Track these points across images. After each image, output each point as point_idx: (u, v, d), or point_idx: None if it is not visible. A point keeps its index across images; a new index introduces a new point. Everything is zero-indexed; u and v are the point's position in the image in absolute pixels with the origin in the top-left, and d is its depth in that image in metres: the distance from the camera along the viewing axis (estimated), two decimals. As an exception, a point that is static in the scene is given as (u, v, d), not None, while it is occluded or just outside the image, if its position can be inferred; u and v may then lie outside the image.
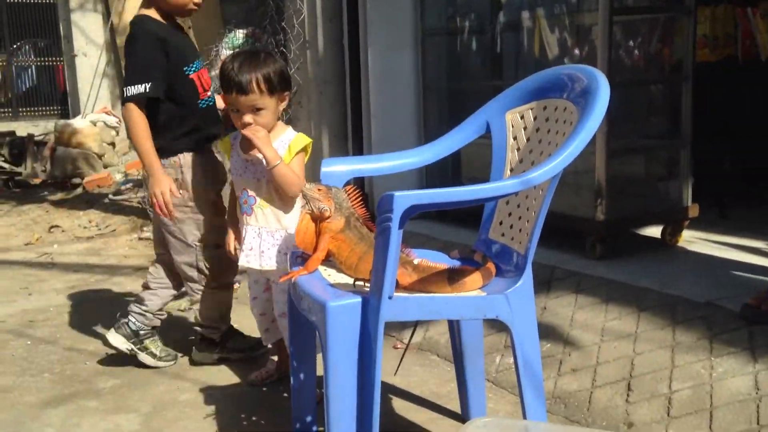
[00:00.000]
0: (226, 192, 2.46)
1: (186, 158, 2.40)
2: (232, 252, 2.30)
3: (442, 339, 2.63)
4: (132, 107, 2.30)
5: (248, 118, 2.08)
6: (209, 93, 2.45)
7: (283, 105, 2.15)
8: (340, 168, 1.96)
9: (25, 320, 3.22)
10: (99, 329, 3.04)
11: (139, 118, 2.31)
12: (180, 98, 2.39)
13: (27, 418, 2.25)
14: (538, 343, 1.71)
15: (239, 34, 5.24)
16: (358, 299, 1.57)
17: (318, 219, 1.78)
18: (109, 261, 4.31)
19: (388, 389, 2.32)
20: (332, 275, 1.80)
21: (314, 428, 1.99)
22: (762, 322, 2.13)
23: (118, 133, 7.52)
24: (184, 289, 2.59)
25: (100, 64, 8.35)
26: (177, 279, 2.57)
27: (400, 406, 2.25)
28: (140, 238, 4.79)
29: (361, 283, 1.69)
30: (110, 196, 5.93)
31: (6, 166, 7.30)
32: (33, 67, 11.76)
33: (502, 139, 1.95)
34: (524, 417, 1.69)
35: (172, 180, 2.36)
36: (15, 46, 11.46)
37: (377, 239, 1.52)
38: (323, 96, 4.41)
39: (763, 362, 1.99)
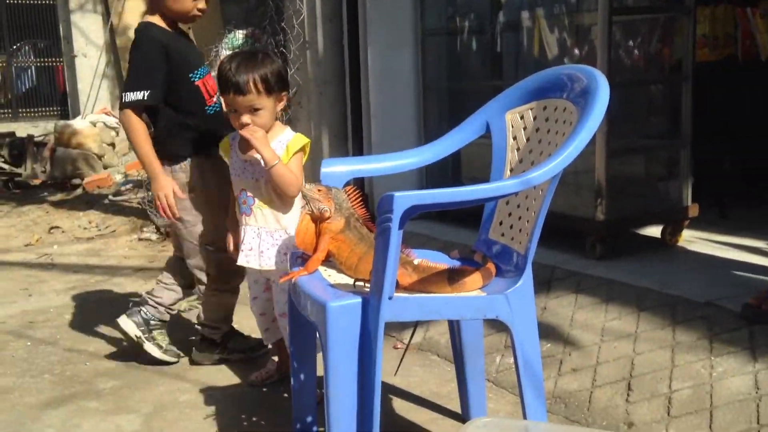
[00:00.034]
0: None
1: (196, 162, 2.41)
2: (232, 252, 2.30)
3: (442, 339, 2.63)
4: (129, 113, 2.33)
5: (246, 118, 2.08)
6: (215, 99, 2.46)
7: (281, 105, 2.15)
8: (340, 168, 1.96)
9: (25, 321, 3.22)
10: (99, 330, 3.05)
11: (137, 123, 2.34)
12: (186, 105, 2.40)
13: (27, 419, 2.25)
14: (538, 343, 1.71)
15: (239, 35, 5.24)
16: (359, 300, 1.57)
17: (318, 219, 1.79)
18: (109, 262, 4.31)
19: (389, 389, 2.32)
20: (332, 276, 1.80)
21: (315, 428, 1.99)
22: (762, 322, 2.13)
23: (117, 133, 7.52)
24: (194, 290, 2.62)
25: (100, 65, 8.35)
26: (186, 279, 2.60)
27: (400, 406, 2.25)
28: (140, 239, 4.79)
29: (361, 283, 1.69)
30: (110, 196, 5.93)
31: (6, 167, 7.30)
32: (33, 67, 11.76)
33: (502, 139, 1.95)
34: (524, 417, 1.69)
35: (174, 182, 2.37)
36: (15, 47, 11.46)
37: (377, 240, 1.52)
38: (323, 96, 4.41)
39: (763, 362, 1.99)
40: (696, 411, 1.94)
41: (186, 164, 2.42)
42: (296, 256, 1.90)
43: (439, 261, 1.82)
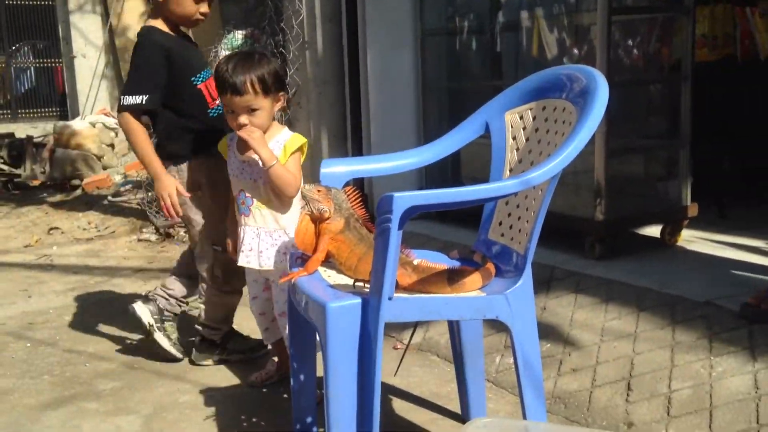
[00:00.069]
0: None
1: (201, 161, 2.42)
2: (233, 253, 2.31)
3: (442, 339, 2.63)
4: (127, 116, 2.36)
5: (243, 119, 2.09)
6: (218, 101, 2.47)
7: (279, 105, 2.16)
8: (339, 169, 1.96)
9: (25, 322, 3.22)
10: (99, 331, 3.05)
11: (135, 126, 2.36)
12: (188, 109, 2.42)
13: (27, 421, 2.25)
14: (538, 343, 1.72)
15: (238, 35, 5.24)
16: (358, 300, 1.57)
17: (317, 220, 1.79)
18: (109, 262, 4.30)
19: (388, 390, 2.32)
20: (332, 276, 1.80)
21: (314, 429, 1.99)
22: (762, 321, 2.13)
23: (117, 134, 7.52)
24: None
25: (99, 66, 8.35)
26: (192, 279, 2.63)
27: (400, 406, 2.25)
28: (139, 240, 4.79)
29: (361, 284, 1.69)
30: (109, 197, 5.93)
31: (5, 167, 7.30)
32: (32, 68, 11.76)
33: (502, 140, 1.95)
34: (524, 417, 1.69)
35: (177, 181, 2.38)
36: (14, 48, 11.46)
37: (377, 240, 1.52)
38: (322, 96, 4.41)
39: (762, 361, 1.99)
40: (695, 411, 1.94)
41: (185, 165, 2.43)
42: (296, 257, 1.90)
43: (439, 261, 1.82)
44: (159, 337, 2.59)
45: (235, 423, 2.18)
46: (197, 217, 2.48)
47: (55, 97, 11.41)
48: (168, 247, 4.57)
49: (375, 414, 1.55)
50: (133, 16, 8.08)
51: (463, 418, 2.11)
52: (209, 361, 2.61)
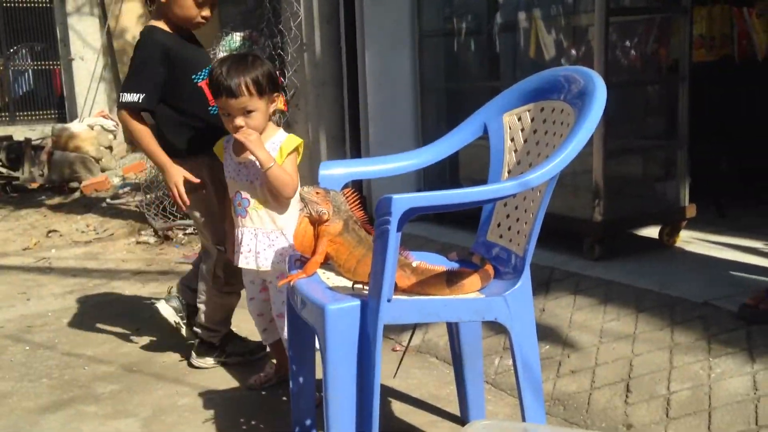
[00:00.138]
0: None
1: (204, 160, 2.42)
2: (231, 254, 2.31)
3: (440, 341, 2.63)
4: (126, 115, 2.40)
5: (239, 121, 2.09)
6: None
7: (274, 107, 2.17)
8: (338, 171, 1.96)
9: (24, 325, 3.21)
10: (98, 334, 3.04)
11: (135, 124, 2.39)
12: (189, 106, 2.43)
13: (26, 424, 2.25)
14: (537, 344, 1.71)
15: (236, 37, 5.24)
16: (357, 302, 1.57)
17: (316, 222, 1.79)
18: (108, 265, 4.30)
19: (387, 392, 2.32)
20: (331, 278, 1.80)
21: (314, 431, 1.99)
22: (760, 322, 2.13)
23: (115, 136, 7.51)
24: None
25: (97, 68, 8.35)
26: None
27: (399, 408, 2.25)
28: (138, 242, 4.79)
29: (360, 286, 1.69)
30: (108, 199, 5.93)
31: (3, 170, 7.29)
32: (30, 71, 11.74)
33: (500, 141, 1.95)
34: (523, 419, 1.69)
35: (184, 170, 2.40)
36: (11, 50, 11.44)
37: (375, 242, 1.52)
38: (321, 98, 4.41)
39: (761, 362, 1.99)
40: (694, 412, 1.94)
41: (187, 162, 2.43)
42: (294, 259, 1.90)
43: (438, 263, 1.82)
44: (187, 333, 2.66)
45: (234, 426, 2.18)
46: (197, 215, 2.49)
47: (53, 99, 11.40)
48: (166, 250, 4.57)
49: (374, 416, 1.55)
50: (130, 18, 8.08)
51: (462, 420, 2.11)
52: (208, 364, 2.61)
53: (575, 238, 3.01)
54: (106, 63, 8.38)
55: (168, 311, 2.66)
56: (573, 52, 3.34)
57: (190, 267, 2.86)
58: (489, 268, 1.76)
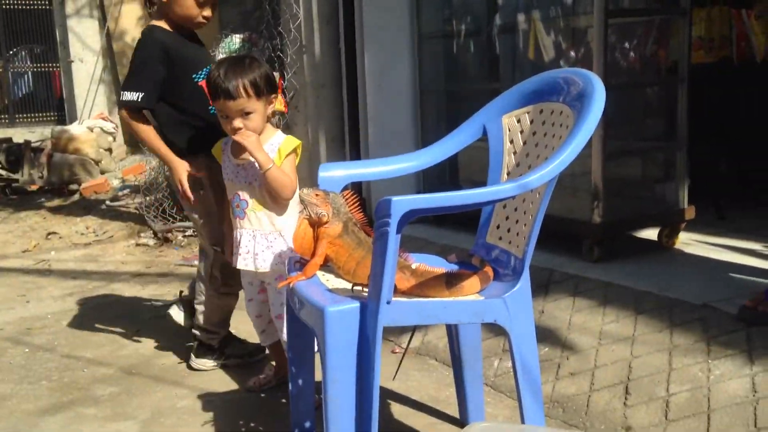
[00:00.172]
0: None
1: (200, 162, 2.42)
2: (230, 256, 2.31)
3: (440, 343, 2.63)
4: (125, 114, 2.42)
5: (238, 122, 2.09)
6: None
7: (271, 108, 2.17)
8: (337, 173, 1.96)
9: (23, 328, 3.21)
10: (97, 336, 3.04)
11: (138, 122, 2.42)
12: (189, 105, 2.44)
13: (25, 426, 2.25)
14: (536, 346, 1.71)
15: (236, 39, 5.25)
16: (357, 304, 1.57)
17: (316, 224, 1.79)
18: (107, 267, 4.30)
19: (387, 394, 2.32)
20: (330, 280, 1.80)
21: (313, 434, 1.99)
22: (759, 324, 2.13)
23: (114, 138, 7.52)
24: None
25: (97, 70, 8.35)
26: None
27: (398, 411, 2.25)
28: (137, 244, 4.79)
29: (360, 288, 1.69)
30: (107, 202, 5.93)
31: (3, 173, 7.29)
32: (29, 73, 11.74)
33: (499, 143, 1.95)
34: (522, 421, 1.69)
35: (187, 163, 2.41)
36: (11, 53, 11.44)
37: (375, 244, 1.52)
38: (320, 100, 4.42)
39: (760, 364, 1.99)
40: (693, 414, 1.94)
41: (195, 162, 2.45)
42: (294, 261, 1.90)
43: (437, 265, 1.82)
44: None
45: (234, 428, 2.18)
46: (196, 216, 2.49)
47: (52, 101, 11.39)
48: (166, 252, 4.57)
49: (373, 418, 1.55)
50: (130, 20, 8.08)
51: (461, 422, 2.11)
52: (207, 366, 2.61)
53: (574, 240, 3.01)
54: (105, 65, 8.38)
55: (179, 316, 2.70)
56: (572, 53, 3.34)
57: (189, 269, 2.86)
58: (488, 269, 1.76)
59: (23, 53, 11.64)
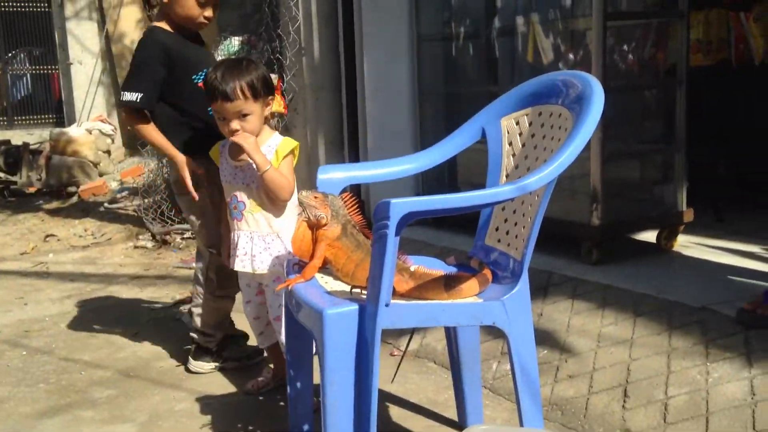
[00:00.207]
0: None
1: (201, 162, 2.42)
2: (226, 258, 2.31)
3: (439, 346, 2.63)
4: (125, 114, 2.45)
5: (235, 124, 2.10)
6: None
7: (269, 110, 2.18)
8: (336, 175, 1.96)
9: (21, 330, 3.20)
10: (95, 339, 3.04)
11: (139, 121, 2.42)
12: (188, 106, 2.44)
13: (23, 429, 2.24)
14: (535, 349, 1.72)
15: (235, 41, 5.25)
16: (355, 307, 1.57)
17: (314, 226, 1.78)
18: (105, 270, 4.29)
19: (385, 397, 2.31)
20: (329, 283, 1.80)
21: (311, 436, 1.99)
22: (758, 327, 2.13)
23: (113, 141, 7.51)
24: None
25: (96, 73, 8.35)
26: None
27: (397, 413, 2.24)
28: (136, 247, 4.78)
29: (358, 290, 1.69)
30: (106, 204, 5.92)
31: (1, 175, 7.28)
32: (28, 75, 11.74)
33: (498, 146, 1.95)
34: (521, 424, 1.69)
35: (187, 158, 2.41)
36: (10, 55, 11.44)
37: (374, 246, 1.52)
38: (319, 102, 4.42)
39: (758, 367, 1.99)
40: (692, 417, 1.93)
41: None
42: (293, 263, 1.90)
43: (436, 267, 1.82)
44: None
45: (232, 431, 2.18)
46: (193, 218, 2.49)
47: (51, 103, 11.39)
48: (164, 254, 4.57)
49: (372, 421, 1.55)
50: (129, 22, 8.08)
51: (460, 425, 2.10)
52: (205, 369, 2.61)
53: (573, 243, 3.01)
54: (104, 67, 8.39)
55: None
56: (571, 56, 3.34)
57: (187, 271, 2.86)
58: (487, 272, 1.76)
59: (22, 55, 11.64)
